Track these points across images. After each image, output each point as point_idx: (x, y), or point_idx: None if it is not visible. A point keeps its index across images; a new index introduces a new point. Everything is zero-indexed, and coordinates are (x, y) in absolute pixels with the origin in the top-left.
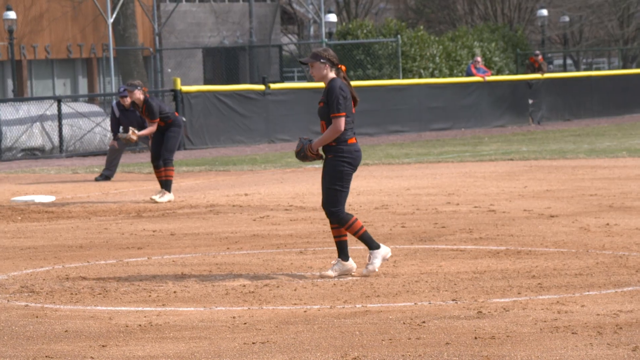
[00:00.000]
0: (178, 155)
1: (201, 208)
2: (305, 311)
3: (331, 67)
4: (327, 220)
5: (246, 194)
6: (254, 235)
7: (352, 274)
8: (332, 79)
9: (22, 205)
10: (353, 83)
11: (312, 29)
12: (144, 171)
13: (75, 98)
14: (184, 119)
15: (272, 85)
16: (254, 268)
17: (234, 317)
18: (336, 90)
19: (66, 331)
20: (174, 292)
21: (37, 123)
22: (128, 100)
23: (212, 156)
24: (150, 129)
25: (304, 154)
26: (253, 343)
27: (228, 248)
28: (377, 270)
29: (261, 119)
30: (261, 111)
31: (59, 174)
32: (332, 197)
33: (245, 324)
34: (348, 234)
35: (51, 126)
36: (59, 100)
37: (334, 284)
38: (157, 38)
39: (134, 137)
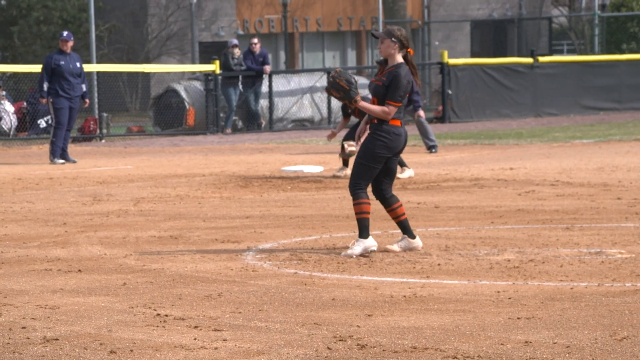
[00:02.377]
0: (443, 128)
1: (465, 181)
2: (571, 288)
3: (400, 49)
4: (594, 197)
5: (511, 168)
6: (518, 210)
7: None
8: (400, 65)
9: (291, 174)
10: (626, 57)
11: (584, 1)
12: (409, 144)
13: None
14: (449, 91)
15: (541, 59)
16: (518, 243)
17: (498, 292)
18: (402, 80)
19: (333, 299)
20: (438, 264)
21: (307, 94)
22: None
23: (477, 129)
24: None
25: (335, 84)
26: (518, 318)
27: (492, 222)
28: (354, 257)
29: (528, 92)
30: (528, 85)
31: (327, 145)
32: (357, 170)
33: (509, 298)
34: (403, 213)
35: (320, 98)
36: (328, 72)
37: (602, 262)
38: (426, 11)
39: (354, 149)
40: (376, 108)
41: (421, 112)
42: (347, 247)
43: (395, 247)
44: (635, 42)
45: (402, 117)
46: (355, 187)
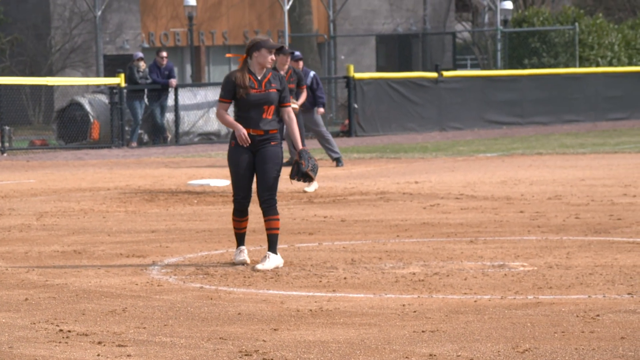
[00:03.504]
0: (349, 142)
1: (372, 195)
2: (475, 301)
3: None
4: (498, 210)
5: (417, 182)
6: (424, 224)
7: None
8: (270, 68)
9: (198, 188)
10: (528, 71)
11: (486, 17)
12: (315, 157)
13: None
14: (355, 105)
15: (445, 73)
16: (423, 256)
17: (403, 305)
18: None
19: (239, 314)
20: (344, 278)
21: (213, 108)
22: None
23: (383, 143)
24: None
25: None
26: (423, 331)
27: (398, 235)
28: (268, 270)
29: (433, 106)
30: (433, 99)
31: None
32: (275, 183)
33: (415, 312)
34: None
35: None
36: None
37: (505, 275)
38: (331, 25)
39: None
40: (295, 126)
41: (322, 109)
42: (258, 261)
43: (261, 267)
44: (537, 57)
45: None
46: (274, 202)
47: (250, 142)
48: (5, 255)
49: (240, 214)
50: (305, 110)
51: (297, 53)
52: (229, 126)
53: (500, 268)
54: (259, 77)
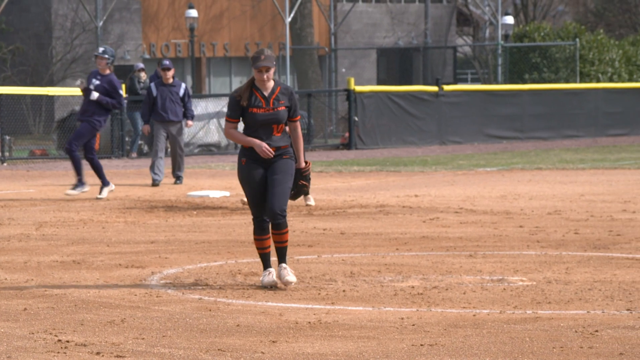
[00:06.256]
0: (349, 155)
1: (371, 208)
2: (474, 315)
3: None
4: (497, 224)
5: (416, 195)
6: (423, 237)
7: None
8: (276, 80)
9: (197, 200)
10: (529, 86)
11: (487, 31)
12: (315, 169)
13: None
14: (356, 118)
15: (446, 87)
16: (422, 270)
17: (402, 318)
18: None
19: (238, 325)
20: (343, 290)
21: (214, 119)
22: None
23: (383, 156)
24: None
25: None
26: (421, 345)
27: (397, 249)
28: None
29: (433, 120)
30: (433, 112)
31: (234, 170)
32: (287, 193)
33: (413, 325)
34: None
35: None
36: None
37: (504, 289)
38: (332, 38)
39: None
40: (300, 140)
41: (191, 122)
42: (286, 275)
43: (292, 278)
44: (537, 72)
45: None
46: (285, 214)
47: (272, 152)
48: (5, 264)
49: (262, 231)
50: (175, 122)
51: (165, 62)
52: (244, 143)
53: (499, 282)
54: (266, 94)
